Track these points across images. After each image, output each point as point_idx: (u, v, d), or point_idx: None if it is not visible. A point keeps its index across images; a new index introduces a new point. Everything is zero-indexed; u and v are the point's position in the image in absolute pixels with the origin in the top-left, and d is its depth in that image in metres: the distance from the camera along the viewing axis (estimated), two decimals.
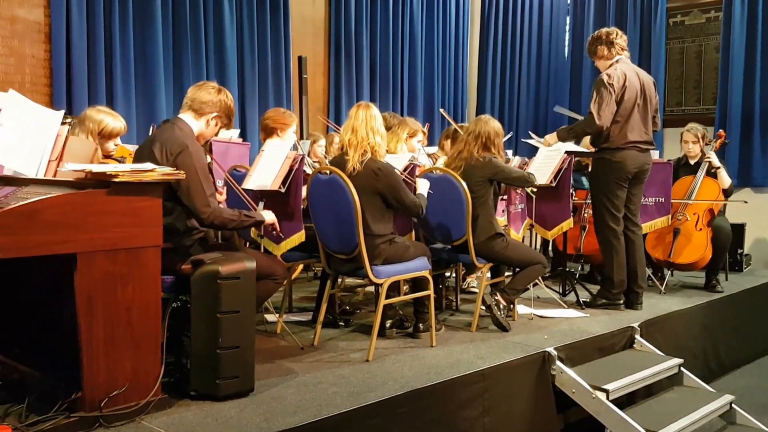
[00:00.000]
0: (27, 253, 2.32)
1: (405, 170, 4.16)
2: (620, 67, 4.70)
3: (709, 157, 5.71)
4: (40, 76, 6.07)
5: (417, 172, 4.28)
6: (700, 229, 5.61)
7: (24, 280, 3.02)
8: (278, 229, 3.48)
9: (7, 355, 2.99)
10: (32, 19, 6.01)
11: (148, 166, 2.67)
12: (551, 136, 5.00)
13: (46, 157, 2.76)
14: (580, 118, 5.48)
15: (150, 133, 5.32)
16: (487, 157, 4.25)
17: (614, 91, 4.58)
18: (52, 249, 2.37)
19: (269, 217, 3.41)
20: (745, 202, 6.31)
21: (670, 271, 5.84)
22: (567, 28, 9.78)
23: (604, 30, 4.86)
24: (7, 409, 2.60)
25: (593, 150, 4.93)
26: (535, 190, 4.55)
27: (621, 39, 4.80)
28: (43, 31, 6.08)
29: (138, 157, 3.12)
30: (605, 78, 4.63)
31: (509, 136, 5.58)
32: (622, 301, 4.85)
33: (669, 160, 5.89)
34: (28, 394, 2.60)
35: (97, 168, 2.57)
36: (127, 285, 2.56)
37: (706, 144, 5.88)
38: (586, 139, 5.16)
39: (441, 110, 5.74)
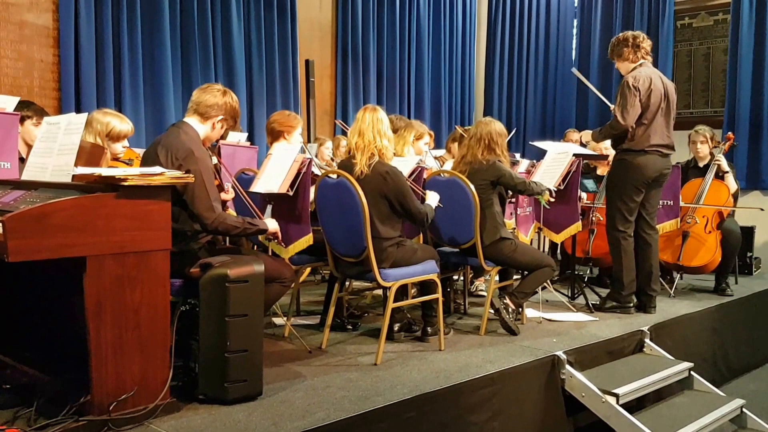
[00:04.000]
0: (36, 256, 2.32)
1: (412, 173, 4.15)
2: (645, 71, 4.68)
3: (718, 160, 5.69)
4: (49, 80, 6.10)
5: (425, 175, 4.27)
6: (710, 232, 5.59)
7: (33, 283, 3.02)
8: (280, 238, 3.48)
9: (17, 358, 2.99)
10: (41, 23, 6.04)
11: (157, 169, 2.67)
12: (585, 134, 5.06)
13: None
14: (591, 86, 5.47)
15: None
16: (491, 160, 4.24)
17: (639, 93, 4.57)
18: (62, 252, 2.37)
19: (272, 225, 3.40)
20: (762, 209, 6.27)
21: (679, 275, 5.82)
22: (574, 31, 9.77)
23: (630, 33, 4.83)
24: (16, 413, 2.60)
25: (602, 153, 4.91)
26: (553, 200, 4.50)
27: (646, 43, 4.78)
28: (52, 35, 6.10)
29: (145, 161, 3.13)
30: (630, 80, 4.61)
31: (513, 131, 5.57)
32: (632, 304, 4.83)
33: (678, 163, 5.87)
34: (37, 398, 2.60)
35: (106, 171, 2.57)
36: (135, 288, 2.57)
37: (715, 146, 5.86)
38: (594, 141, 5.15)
39: (573, 70, 5.63)
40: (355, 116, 3.84)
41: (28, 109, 3.73)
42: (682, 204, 5.40)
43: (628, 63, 4.79)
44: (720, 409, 3.99)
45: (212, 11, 7.11)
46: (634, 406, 3.86)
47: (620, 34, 4.90)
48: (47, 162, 2.82)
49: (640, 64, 4.75)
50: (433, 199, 3.97)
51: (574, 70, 5.50)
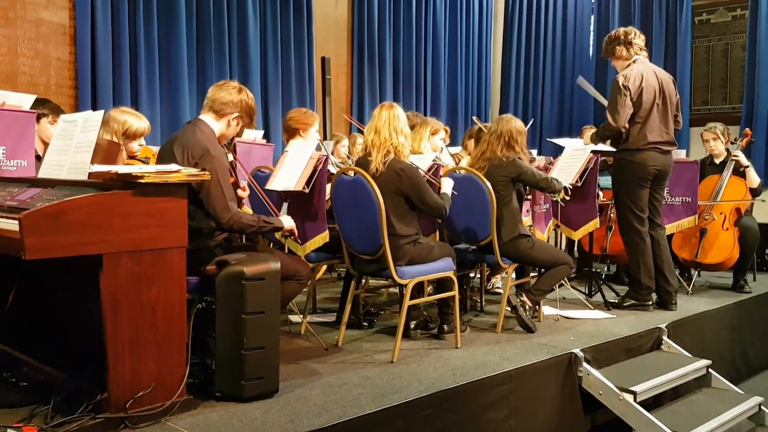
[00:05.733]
0: (53, 254, 2.33)
1: (429, 170, 4.13)
2: (637, 68, 4.65)
3: (736, 156, 5.64)
4: (65, 78, 6.12)
5: (441, 172, 4.25)
6: (727, 229, 5.54)
7: (50, 281, 3.03)
8: (296, 234, 3.47)
9: (34, 356, 3.00)
10: (57, 21, 6.07)
11: (174, 167, 2.67)
12: (586, 137, 5.09)
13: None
14: (598, 96, 5.46)
15: None
16: (511, 157, 4.21)
17: (629, 92, 4.54)
18: (78, 250, 2.38)
19: (288, 223, 3.40)
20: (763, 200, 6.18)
21: (697, 272, 5.77)
22: (591, 27, 9.70)
23: (621, 30, 4.81)
24: (33, 410, 2.61)
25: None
26: (567, 198, 4.49)
27: (639, 39, 4.75)
28: (68, 33, 6.13)
29: (160, 159, 3.13)
30: (620, 79, 4.59)
31: (531, 122, 5.57)
32: (650, 302, 4.79)
33: (695, 160, 5.82)
34: (54, 396, 2.61)
35: (122, 169, 2.58)
36: (152, 286, 2.57)
37: (732, 142, 5.81)
38: None
39: (579, 79, 5.66)
40: (372, 113, 3.83)
41: (43, 107, 3.74)
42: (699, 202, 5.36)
43: (622, 61, 4.77)
44: (738, 406, 3.97)
45: (228, 8, 7.12)
46: (652, 403, 3.84)
47: (612, 32, 4.89)
48: (64, 159, 2.83)
49: (634, 61, 4.71)
50: (447, 185, 3.95)
51: (580, 80, 5.49)
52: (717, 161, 5.82)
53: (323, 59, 7.93)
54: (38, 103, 3.62)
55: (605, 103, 4.92)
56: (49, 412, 2.55)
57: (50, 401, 2.59)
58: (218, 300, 2.83)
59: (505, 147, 4.23)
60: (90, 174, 2.66)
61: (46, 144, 3.52)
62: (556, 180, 4.35)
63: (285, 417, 2.70)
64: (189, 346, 2.75)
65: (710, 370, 4.26)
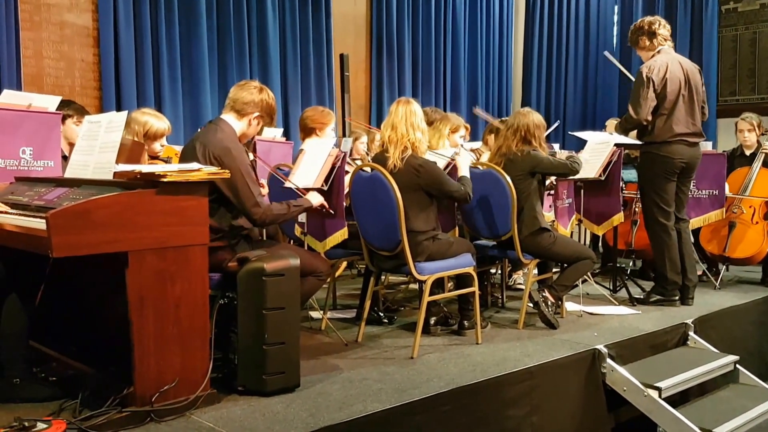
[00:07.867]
0: (79, 252, 2.38)
1: (446, 168, 4.12)
2: (661, 58, 4.59)
3: (766, 148, 5.55)
4: (90, 80, 6.21)
5: None
6: (757, 223, 5.46)
7: (76, 278, 3.08)
8: (327, 206, 3.51)
9: (62, 352, 3.07)
10: (81, 23, 6.15)
11: (195, 165, 2.71)
12: (610, 126, 5.02)
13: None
14: (625, 71, 5.41)
15: None
16: (526, 150, 4.18)
17: (653, 83, 4.49)
18: (103, 248, 2.43)
19: (316, 200, 3.44)
20: None
21: (725, 266, 5.69)
22: (615, 18, 9.60)
23: (646, 19, 4.75)
24: (62, 404, 2.67)
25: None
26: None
27: (664, 29, 4.69)
28: (92, 35, 6.22)
29: (183, 158, 3.17)
30: (644, 70, 4.54)
31: (556, 125, 5.52)
32: (677, 297, 4.74)
33: (723, 152, 5.75)
34: (82, 390, 2.67)
35: (146, 168, 2.62)
36: (175, 282, 2.61)
37: (762, 134, 5.72)
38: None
39: (475, 109, 5.67)
40: (389, 109, 3.84)
41: (68, 108, 3.80)
42: (728, 194, 5.29)
43: (646, 51, 4.72)
44: (766, 403, 3.91)
45: (247, 8, 7.19)
46: (678, 400, 3.80)
47: (636, 22, 4.83)
48: (89, 159, 2.88)
49: (658, 51, 4.66)
50: (465, 166, 3.91)
51: (607, 54, 5.43)
52: (747, 153, 5.74)
53: (342, 56, 7.96)
54: (63, 105, 3.67)
55: (630, 76, 4.86)
56: (77, 406, 2.61)
57: (78, 395, 2.65)
58: (240, 296, 2.87)
59: (521, 141, 4.19)
60: (115, 173, 2.70)
61: (71, 144, 3.58)
62: (576, 161, 4.31)
63: (306, 411, 2.73)
64: (212, 341, 2.79)
65: (738, 365, 4.20)
